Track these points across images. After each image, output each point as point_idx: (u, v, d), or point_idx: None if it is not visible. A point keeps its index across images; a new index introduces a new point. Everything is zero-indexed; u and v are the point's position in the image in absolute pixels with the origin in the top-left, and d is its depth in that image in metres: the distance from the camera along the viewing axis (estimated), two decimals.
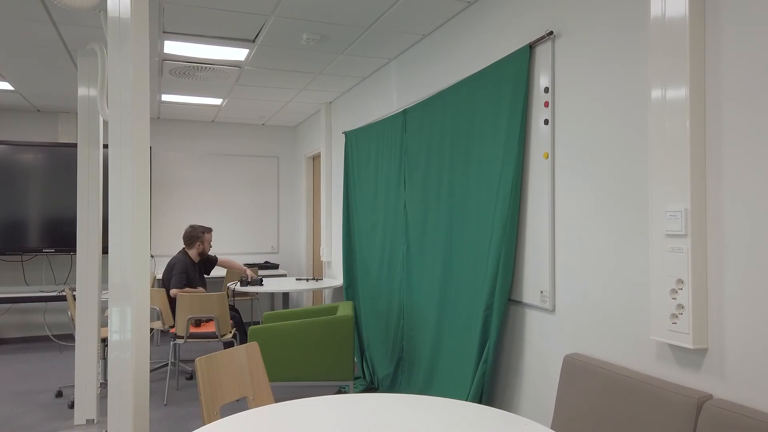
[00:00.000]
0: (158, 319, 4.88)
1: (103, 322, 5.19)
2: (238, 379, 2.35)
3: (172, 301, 4.84)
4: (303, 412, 1.82)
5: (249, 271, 5.48)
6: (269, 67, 4.74)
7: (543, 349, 2.73)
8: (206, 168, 7.34)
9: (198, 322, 4.75)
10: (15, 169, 6.20)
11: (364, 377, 4.64)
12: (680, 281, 1.91)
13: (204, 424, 1.97)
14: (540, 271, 2.73)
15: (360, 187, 4.97)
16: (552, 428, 2.38)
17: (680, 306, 1.91)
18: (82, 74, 3.98)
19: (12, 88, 5.47)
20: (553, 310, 2.66)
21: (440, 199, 3.54)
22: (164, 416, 4.05)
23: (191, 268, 4.92)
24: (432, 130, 3.68)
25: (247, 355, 2.43)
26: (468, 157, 3.25)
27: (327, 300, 6.36)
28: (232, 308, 5.17)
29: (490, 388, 3.06)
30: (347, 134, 5.31)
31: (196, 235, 5.00)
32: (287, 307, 5.73)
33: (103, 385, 4.57)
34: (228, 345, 4.80)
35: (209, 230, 5.13)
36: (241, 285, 5.26)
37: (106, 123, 4.08)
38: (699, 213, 1.90)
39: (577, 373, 2.31)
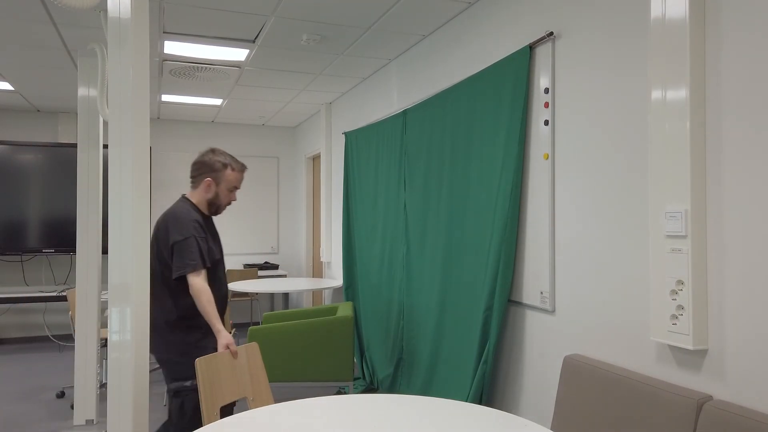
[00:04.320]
0: None
1: (103, 323, 5.19)
2: (239, 380, 2.35)
3: (176, 291, 2.54)
4: (303, 412, 1.82)
5: None
6: (269, 67, 4.73)
7: (543, 349, 2.73)
8: None
9: None
10: (15, 169, 6.19)
11: (364, 378, 4.64)
12: (680, 282, 1.91)
13: (203, 425, 1.96)
14: (540, 272, 2.73)
15: (360, 188, 4.97)
16: (552, 429, 2.38)
17: (680, 307, 1.91)
18: (82, 74, 3.98)
19: (12, 88, 5.46)
20: (553, 311, 2.66)
21: (440, 199, 3.54)
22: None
23: (202, 226, 2.59)
24: (432, 131, 3.68)
25: (247, 355, 2.43)
26: (468, 158, 3.24)
27: (327, 300, 6.35)
28: None
29: (490, 388, 3.06)
30: (347, 135, 5.31)
31: (211, 164, 2.64)
32: (287, 308, 5.73)
33: (104, 386, 4.56)
34: None
35: (240, 168, 2.71)
36: None
37: (106, 123, 4.08)
38: (699, 214, 1.89)
39: (577, 374, 2.31)
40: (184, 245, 2.50)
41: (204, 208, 2.68)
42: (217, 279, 2.65)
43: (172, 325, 2.57)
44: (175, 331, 2.56)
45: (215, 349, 2.50)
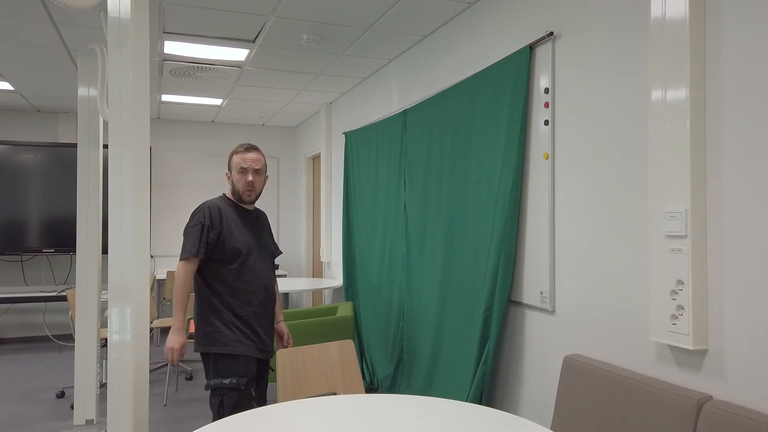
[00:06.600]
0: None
1: (103, 323, 5.19)
2: (328, 375, 2.39)
3: (208, 281, 2.59)
4: (303, 412, 1.82)
5: None
6: (269, 67, 4.73)
7: (543, 349, 2.73)
8: (206, 168, 7.34)
9: None
10: (15, 169, 6.19)
11: (364, 378, 4.64)
12: (680, 282, 1.91)
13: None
14: (540, 272, 2.72)
15: (360, 188, 4.97)
16: (552, 429, 2.38)
17: (680, 307, 1.91)
18: (82, 74, 3.98)
19: (12, 88, 5.46)
20: (553, 311, 2.66)
21: (440, 199, 3.54)
22: (164, 417, 4.05)
23: (215, 215, 2.59)
24: (432, 131, 3.68)
25: (341, 352, 2.47)
26: (468, 158, 3.24)
27: (327, 300, 6.35)
28: None
29: (489, 388, 3.06)
30: (347, 135, 5.31)
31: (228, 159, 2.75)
32: (287, 308, 5.73)
33: (104, 386, 4.56)
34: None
35: (242, 148, 2.68)
36: None
37: (106, 123, 4.08)
38: (699, 214, 1.89)
39: (577, 374, 2.31)
40: (187, 232, 2.56)
41: (237, 199, 2.70)
42: (245, 273, 2.59)
43: (204, 316, 2.56)
44: (206, 325, 2.55)
45: (254, 348, 2.55)
